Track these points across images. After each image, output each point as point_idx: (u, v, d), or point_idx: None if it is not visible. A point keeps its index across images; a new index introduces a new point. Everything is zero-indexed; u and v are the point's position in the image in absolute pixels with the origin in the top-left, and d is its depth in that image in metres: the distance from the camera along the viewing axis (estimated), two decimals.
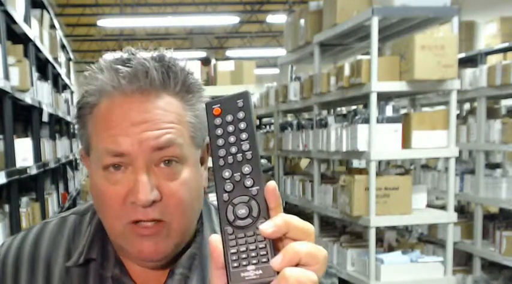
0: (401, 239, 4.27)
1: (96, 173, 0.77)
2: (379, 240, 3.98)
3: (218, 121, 0.60)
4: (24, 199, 3.57)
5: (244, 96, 0.60)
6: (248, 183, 0.58)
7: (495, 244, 4.80)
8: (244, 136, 0.59)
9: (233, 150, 0.59)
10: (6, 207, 3.23)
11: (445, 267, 3.69)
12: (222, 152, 0.59)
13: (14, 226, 3.10)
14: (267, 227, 0.56)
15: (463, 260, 5.27)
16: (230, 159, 0.59)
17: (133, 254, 0.79)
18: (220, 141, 0.59)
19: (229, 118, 0.59)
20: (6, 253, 0.89)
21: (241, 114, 0.59)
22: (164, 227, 0.76)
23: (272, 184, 0.58)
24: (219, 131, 0.59)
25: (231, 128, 0.59)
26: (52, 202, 4.65)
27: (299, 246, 0.56)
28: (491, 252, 4.81)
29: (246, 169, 0.58)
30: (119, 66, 0.75)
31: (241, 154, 0.59)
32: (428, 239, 5.19)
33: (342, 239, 4.26)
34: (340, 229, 4.70)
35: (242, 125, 0.59)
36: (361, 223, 3.79)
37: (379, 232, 3.97)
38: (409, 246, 4.10)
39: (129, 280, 0.83)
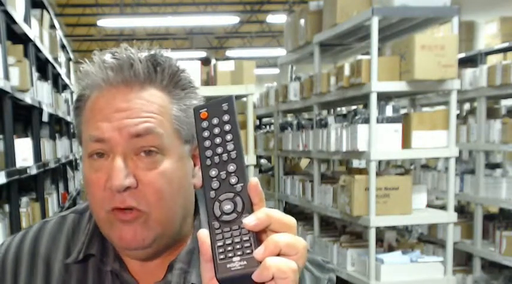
0: (401, 239, 4.27)
1: (84, 162, 0.80)
2: (379, 240, 3.97)
3: (205, 124, 0.64)
4: (24, 199, 3.57)
5: (229, 100, 0.64)
6: (233, 180, 0.62)
7: (495, 244, 4.80)
8: (229, 137, 0.63)
9: (219, 150, 0.63)
10: (6, 207, 3.23)
11: (445, 267, 3.69)
12: (208, 153, 0.63)
13: (14, 226, 3.10)
14: (250, 221, 0.60)
15: (463, 260, 5.27)
16: (216, 159, 0.63)
17: (115, 243, 0.80)
18: (207, 143, 0.63)
19: (215, 121, 0.63)
20: (5, 251, 0.89)
21: (226, 117, 0.63)
22: (143, 214, 0.77)
23: (254, 180, 0.61)
24: (206, 133, 0.63)
25: (216, 130, 0.63)
26: (52, 202, 4.65)
27: (279, 237, 0.60)
28: (491, 252, 4.81)
29: (231, 167, 0.62)
30: (106, 59, 0.79)
31: (226, 154, 0.62)
32: (428, 239, 5.19)
33: (342, 239, 4.26)
34: (340, 229, 4.70)
35: (227, 127, 0.63)
36: (361, 223, 3.79)
37: (379, 232, 3.97)
38: (409, 246, 4.10)
39: (128, 275, 0.84)
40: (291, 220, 0.62)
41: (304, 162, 6.31)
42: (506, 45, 5.44)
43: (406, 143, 3.61)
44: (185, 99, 0.81)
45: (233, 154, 0.62)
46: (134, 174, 0.76)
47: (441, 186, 5.26)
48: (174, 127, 0.79)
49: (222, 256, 0.60)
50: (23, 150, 3.45)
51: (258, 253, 0.59)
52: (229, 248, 0.60)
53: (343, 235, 4.39)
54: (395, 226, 4.30)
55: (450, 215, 3.76)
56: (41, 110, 4.04)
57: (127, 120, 0.76)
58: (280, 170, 5.73)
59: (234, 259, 0.60)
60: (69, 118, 6.41)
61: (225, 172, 0.62)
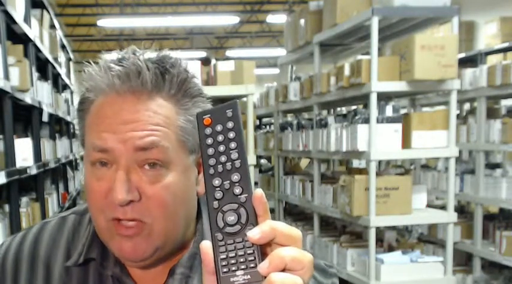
0: (401, 239, 4.27)
1: (86, 167, 0.79)
2: (379, 240, 3.97)
3: (208, 131, 0.61)
4: (24, 199, 3.57)
5: (234, 106, 0.61)
6: (237, 190, 0.60)
7: (495, 244, 4.80)
8: (233, 145, 0.60)
9: (223, 159, 0.60)
10: (6, 207, 3.23)
11: (445, 267, 3.69)
12: (212, 161, 0.61)
13: (14, 226, 3.10)
14: (254, 234, 0.58)
15: (463, 260, 5.27)
16: (220, 168, 0.60)
17: (115, 253, 0.80)
18: (211, 151, 0.61)
19: (219, 128, 0.61)
20: (5, 253, 0.89)
21: (230, 124, 0.61)
22: (145, 227, 0.76)
23: (259, 192, 0.59)
24: (209, 141, 0.61)
25: (220, 138, 0.61)
26: (52, 202, 4.65)
27: (284, 252, 0.58)
28: (491, 252, 4.81)
29: (235, 177, 0.60)
30: (113, 65, 0.76)
31: (230, 163, 0.60)
32: (428, 239, 5.19)
33: (342, 239, 4.26)
34: (340, 229, 4.70)
35: (231, 134, 0.60)
36: (361, 223, 3.79)
37: (379, 232, 3.97)
38: (409, 246, 4.10)
39: (129, 279, 0.83)
40: (296, 232, 0.60)
41: (304, 162, 6.30)
42: (506, 45, 5.44)
43: (406, 143, 3.61)
44: (193, 109, 0.79)
45: (237, 163, 0.60)
46: (137, 187, 0.75)
47: (441, 186, 5.26)
48: (179, 139, 0.77)
49: (225, 269, 0.58)
50: (23, 150, 3.45)
51: (263, 267, 0.57)
52: (233, 261, 0.58)
53: (343, 235, 4.39)
54: (395, 226, 4.30)
55: (450, 215, 3.76)
56: (41, 110, 4.05)
57: (132, 132, 0.74)
58: (280, 170, 5.72)
59: (238, 272, 0.58)
60: (69, 118, 6.41)
61: (228, 181, 0.60)
